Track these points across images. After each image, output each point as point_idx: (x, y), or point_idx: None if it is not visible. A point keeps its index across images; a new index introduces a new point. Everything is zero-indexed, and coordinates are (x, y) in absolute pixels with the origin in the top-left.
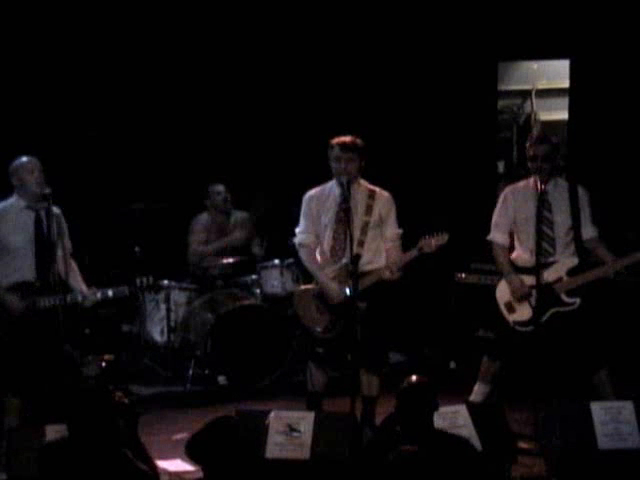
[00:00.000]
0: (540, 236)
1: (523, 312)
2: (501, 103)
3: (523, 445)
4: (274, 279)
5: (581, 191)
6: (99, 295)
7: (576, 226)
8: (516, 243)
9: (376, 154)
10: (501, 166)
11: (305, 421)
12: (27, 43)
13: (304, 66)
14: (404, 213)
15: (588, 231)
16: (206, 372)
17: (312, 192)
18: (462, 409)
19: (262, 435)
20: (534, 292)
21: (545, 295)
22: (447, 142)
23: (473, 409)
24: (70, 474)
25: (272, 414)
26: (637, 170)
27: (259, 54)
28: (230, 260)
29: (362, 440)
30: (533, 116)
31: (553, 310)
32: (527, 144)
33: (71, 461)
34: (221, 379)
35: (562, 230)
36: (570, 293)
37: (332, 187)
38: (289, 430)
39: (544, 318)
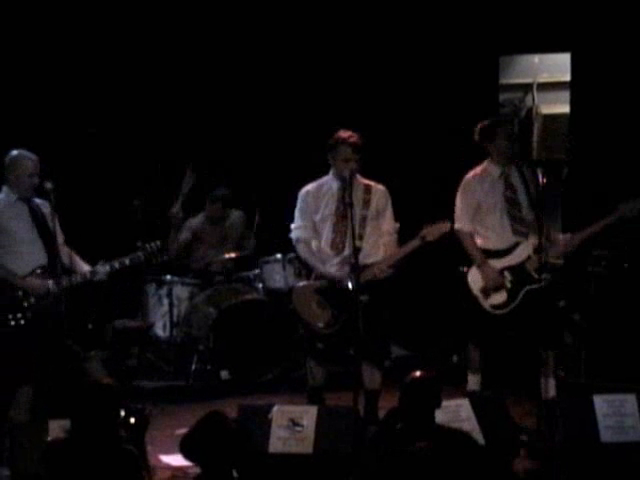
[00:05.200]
0: (513, 218)
1: (498, 295)
2: (502, 97)
3: (525, 438)
4: (276, 273)
5: (528, 171)
6: (108, 268)
7: (532, 204)
8: (480, 229)
9: (377, 149)
10: None
11: (308, 415)
12: (27, 40)
13: (302, 59)
14: (405, 208)
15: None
16: (208, 367)
17: (308, 187)
18: (465, 403)
19: (265, 430)
20: (506, 274)
21: (518, 275)
22: (448, 136)
23: (476, 402)
24: (73, 470)
25: (275, 408)
26: (639, 163)
27: (256, 52)
28: (232, 255)
29: (365, 434)
30: (534, 110)
31: (527, 288)
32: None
33: (74, 457)
34: (224, 374)
35: (525, 210)
36: (538, 270)
37: (329, 182)
38: (292, 424)
39: (519, 297)
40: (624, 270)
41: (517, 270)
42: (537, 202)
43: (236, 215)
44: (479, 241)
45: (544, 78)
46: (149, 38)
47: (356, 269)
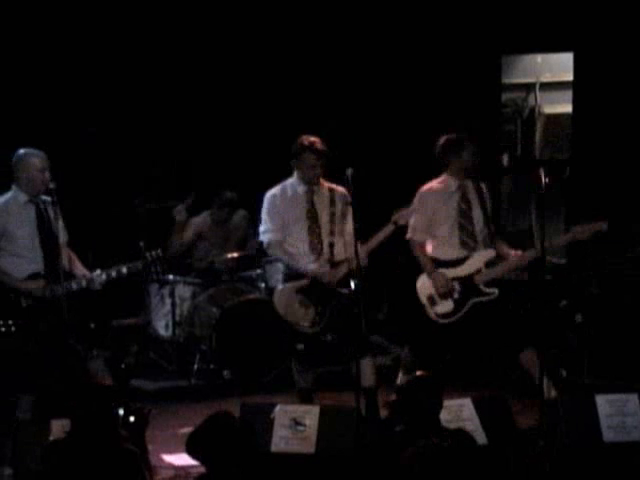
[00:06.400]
0: (463, 231)
1: (445, 305)
2: (505, 96)
3: (528, 438)
4: (279, 273)
5: (485, 187)
6: (104, 277)
7: (487, 220)
8: (432, 239)
9: (379, 147)
10: (505, 159)
11: (310, 415)
12: (27, 39)
13: (303, 61)
14: (407, 206)
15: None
16: (211, 366)
17: (274, 191)
18: (467, 402)
19: (267, 429)
20: (455, 284)
21: (466, 286)
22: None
23: (478, 403)
24: (74, 470)
25: (277, 408)
26: None
27: (255, 54)
28: (234, 254)
29: (367, 434)
30: (537, 109)
31: (474, 300)
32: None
33: (74, 457)
34: (226, 373)
35: (479, 224)
36: (488, 284)
37: (293, 185)
38: (294, 424)
39: (465, 308)
40: (626, 269)
41: (465, 282)
42: (538, 206)
43: (240, 215)
44: (430, 250)
45: (547, 78)
46: (149, 38)
47: (334, 264)
